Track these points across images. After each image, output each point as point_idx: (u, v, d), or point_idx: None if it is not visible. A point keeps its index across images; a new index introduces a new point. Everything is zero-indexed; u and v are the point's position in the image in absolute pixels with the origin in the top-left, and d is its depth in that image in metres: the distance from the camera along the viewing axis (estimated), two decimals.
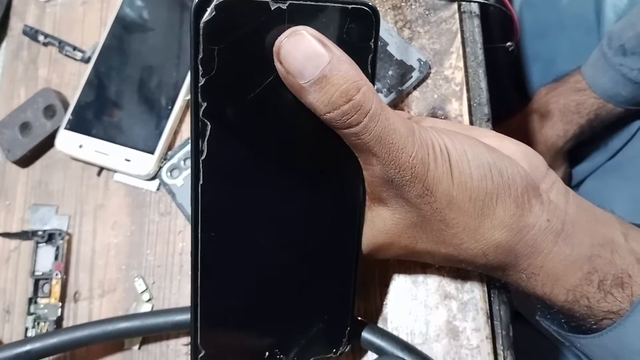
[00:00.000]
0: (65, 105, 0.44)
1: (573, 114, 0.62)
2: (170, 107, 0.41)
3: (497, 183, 0.27)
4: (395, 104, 0.40)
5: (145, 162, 0.40)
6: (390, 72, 0.39)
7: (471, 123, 0.39)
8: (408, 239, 0.29)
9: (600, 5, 0.64)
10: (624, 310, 0.28)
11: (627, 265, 0.28)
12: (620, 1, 0.63)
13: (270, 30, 0.25)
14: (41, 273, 0.39)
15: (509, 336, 0.35)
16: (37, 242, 0.40)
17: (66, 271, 0.40)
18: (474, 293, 0.35)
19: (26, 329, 0.39)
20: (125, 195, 0.42)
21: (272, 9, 0.24)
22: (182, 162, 0.40)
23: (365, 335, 0.33)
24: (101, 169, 0.42)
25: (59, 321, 0.39)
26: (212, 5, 0.24)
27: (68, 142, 0.42)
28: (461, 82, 0.39)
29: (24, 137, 0.43)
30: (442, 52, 0.40)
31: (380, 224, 0.30)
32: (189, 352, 0.30)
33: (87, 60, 0.45)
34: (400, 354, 0.32)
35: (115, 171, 0.42)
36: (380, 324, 0.35)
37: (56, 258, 0.40)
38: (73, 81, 0.45)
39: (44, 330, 0.39)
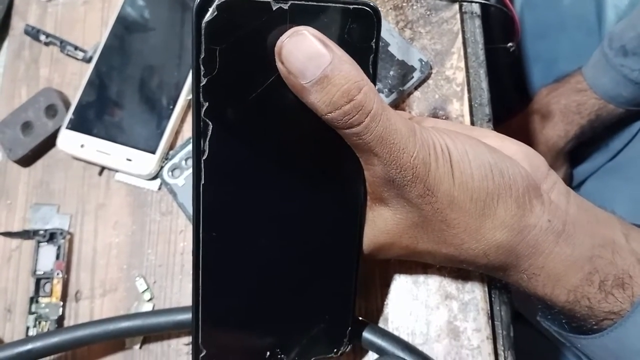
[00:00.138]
0: (67, 104, 0.44)
1: (574, 115, 0.62)
2: (171, 107, 0.41)
3: (498, 183, 0.27)
4: (397, 104, 0.40)
5: (147, 161, 0.40)
6: (391, 73, 0.39)
7: (472, 123, 0.39)
8: (409, 239, 0.29)
9: (601, 6, 0.64)
10: (625, 311, 0.28)
11: (628, 265, 0.28)
12: (621, 2, 0.63)
13: (271, 31, 0.25)
14: (42, 272, 0.39)
15: (510, 336, 0.35)
16: (39, 242, 0.40)
17: (67, 270, 0.40)
18: (475, 293, 0.35)
19: (27, 328, 0.39)
20: (126, 195, 0.42)
21: (274, 9, 0.25)
22: (183, 162, 0.41)
23: (366, 335, 0.33)
24: (102, 168, 0.42)
25: (60, 320, 0.39)
26: (214, 5, 0.24)
27: (69, 141, 0.42)
28: (462, 82, 0.39)
29: (26, 137, 0.43)
30: (443, 53, 0.40)
31: (381, 224, 0.30)
32: (190, 352, 0.30)
33: (88, 60, 0.45)
34: (401, 354, 0.32)
35: (116, 171, 0.42)
36: (381, 324, 0.35)
37: (57, 257, 0.40)
38: (74, 81, 0.45)
39: (45, 330, 0.39)
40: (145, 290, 0.39)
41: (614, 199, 0.59)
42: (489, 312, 0.35)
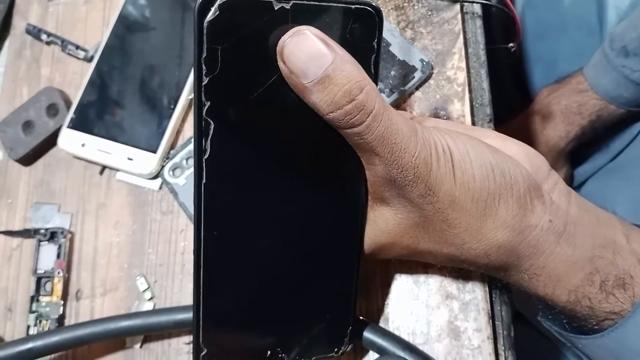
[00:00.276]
0: (68, 104, 0.44)
1: (575, 115, 0.62)
2: (172, 107, 0.41)
3: (499, 183, 0.27)
4: (398, 105, 0.40)
5: (148, 161, 0.40)
6: (392, 73, 0.39)
7: (473, 124, 0.39)
8: (410, 239, 0.29)
9: (602, 6, 0.64)
10: (626, 311, 0.28)
11: (629, 266, 0.28)
12: (622, 3, 0.63)
13: (273, 30, 0.25)
14: (43, 271, 0.40)
15: (511, 336, 0.35)
16: (40, 241, 0.40)
17: (68, 269, 0.40)
18: (476, 293, 0.35)
19: (28, 327, 0.39)
20: (127, 194, 0.42)
21: (276, 8, 0.25)
22: (184, 162, 0.41)
23: (367, 334, 0.33)
24: (103, 167, 0.42)
25: (60, 319, 0.39)
26: (216, 5, 0.24)
27: (70, 140, 0.42)
28: (463, 82, 0.39)
29: (27, 136, 0.43)
30: (445, 53, 0.40)
31: (382, 224, 0.30)
32: (191, 351, 0.30)
33: (89, 59, 0.45)
34: (401, 353, 0.32)
35: (117, 170, 0.42)
36: (381, 324, 0.35)
37: (58, 256, 0.40)
38: (75, 80, 0.45)
39: (46, 329, 0.39)
40: (146, 289, 0.39)
41: (614, 200, 0.59)
42: (490, 312, 0.35)
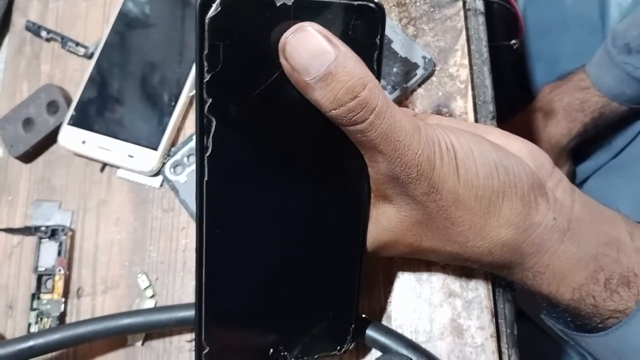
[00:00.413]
0: (68, 101, 0.44)
1: (577, 112, 0.62)
2: (173, 104, 0.41)
3: (503, 181, 0.27)
4: (400, 102, 0.39)
5: (149, 158, 0.40)
6: (394, 70, 0.39)
7: (476, 121, 0.39)
8: (413, 236, 0.29)
9: (605, 4, 0.64)
10: (630, 309, 0.28)
11: (633, 264, 0.28)
12: (624, 0, 0.62)
13: (275, 27, 0.25)
14: (44, 269, 0.39)
15: (514, 334, 0.35)
16: (40, 238, 0.40)
17: (69, 267, 0.40)
18: (479, 291, 0.35)
19: (29, 325, 0.39)
20: (128, 192, 0.41)
21: (278, 5, 0.24)
22: (185, 159, 0.40)
23: (370, 332, 0.33)
24: (104, 165, 0.42)
25: (61, 317, 0.39)
26: (218, 1, 0.24)
27: (71, 138, 0.42)
28: (466, 79, 0.39)
29: (27, 133, 0.43)
30: (447, 50, 0.40)
31: (385, 222, 0.29)
32: (192, 349, 0.30)
33: (89, 56, 0.45)
34: (404, 351, 0.32)
35: (118, 167, 0.42)
36: (384, 322, 0.35)
37: (59, 254, 0.40)
38: (76, 77, 0.45)
39: (47, 326, 0.38)
40: (147, 287, 0.39)
41: (616, 197, 0.59)
42: (493, 310, 0.35)
